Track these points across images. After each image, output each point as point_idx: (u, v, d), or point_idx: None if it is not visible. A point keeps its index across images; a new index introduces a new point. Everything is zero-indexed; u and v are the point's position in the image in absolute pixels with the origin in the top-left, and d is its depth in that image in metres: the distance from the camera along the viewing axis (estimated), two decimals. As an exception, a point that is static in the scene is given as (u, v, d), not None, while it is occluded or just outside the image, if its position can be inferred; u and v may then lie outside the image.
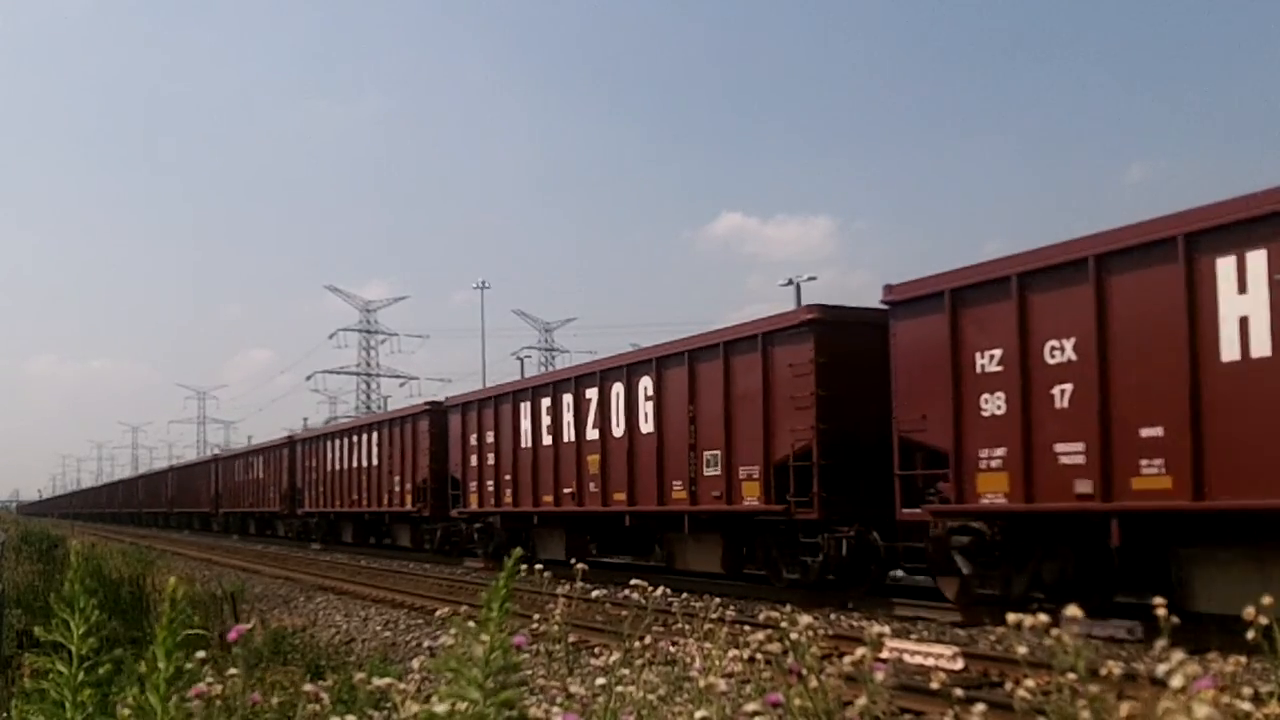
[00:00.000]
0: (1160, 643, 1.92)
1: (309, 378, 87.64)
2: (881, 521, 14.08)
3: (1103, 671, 1.95)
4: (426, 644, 12.74)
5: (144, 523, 72.82)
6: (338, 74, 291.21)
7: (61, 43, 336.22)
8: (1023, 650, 2.15)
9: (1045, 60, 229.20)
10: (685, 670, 3.25)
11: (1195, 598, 10.45)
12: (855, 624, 13.04)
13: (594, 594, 3.93)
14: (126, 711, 1.96)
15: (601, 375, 19.71)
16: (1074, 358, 11.34)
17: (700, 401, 16.97)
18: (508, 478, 22.79)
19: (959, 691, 2.19)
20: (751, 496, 15.79)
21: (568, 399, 20.58)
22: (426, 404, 29.72)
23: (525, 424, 22.13)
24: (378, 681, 2.44)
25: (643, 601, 3.79)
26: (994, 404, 12.15)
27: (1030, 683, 2.10)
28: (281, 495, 41.82)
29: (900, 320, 13.48)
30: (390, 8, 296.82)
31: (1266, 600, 2.35)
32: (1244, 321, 9.86)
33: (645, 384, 18.30)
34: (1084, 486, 11.06)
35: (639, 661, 3.25)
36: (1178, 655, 1.85)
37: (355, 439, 33.68)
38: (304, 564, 28.40)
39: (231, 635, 2.57)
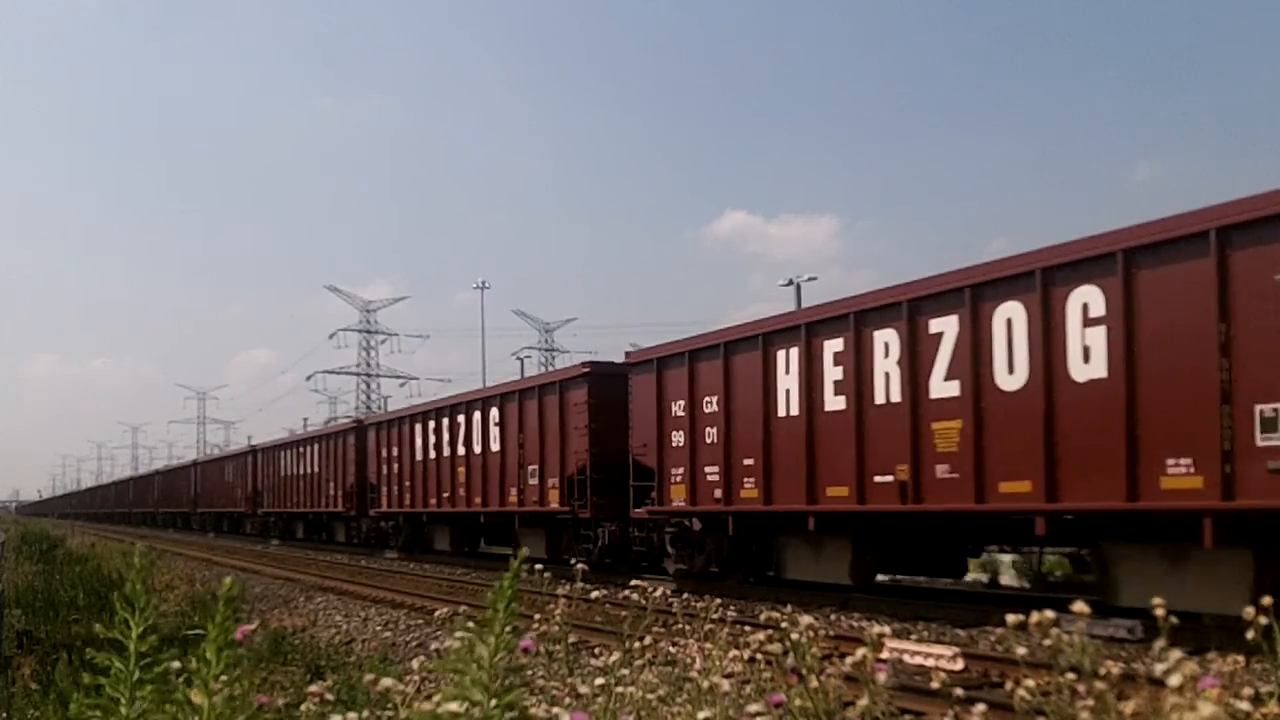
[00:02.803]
0: (1159, 643, 1.93)
1: (309, 378, 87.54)
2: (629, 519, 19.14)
3: (1102, 671, 1.95)
4: (433, 646, 12.73)
5: (134, 522, 74.80)
6: (341, 72, 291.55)
7: (64, 40, 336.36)
8: (1022, 650, 2.15)
9: (1050, 58, 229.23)
10: (685, 670, 3.25)
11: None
12: (855, 624, 13.05)
13: (593, 594, 3.94)
14: (172, 709, 1.99)
15: (467, 405, 25.39)
16: (716, 409, 16.44)
17: (525, 429, 22.43)
18: (407, 484, 28.79)
19: (959, 692, 2.19)
20: (554, 500, 21.19)
21: (446, 422, 26.31)
22: (352, 421, 36.29)
23: (419, 441, 28.08)
24: (386, 682, 2.44)
25: (643, 602, 3.79)
26: (678, 438, 17.32)
27: (1030, 683, 2.10)
28: (246, 496, 46.17)
29: (634, 376, 18.67)
30: (394, 6, 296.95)
31: (1266, 600, 2.35)
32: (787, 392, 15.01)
33: (493, 413, 23.90)
34: (718, 493, 16.38)
35: (639, 662, 3.26)
36: (1176, 655, 1.85)
37: (302, 450, 39.34)
38: (304, 564, 28.40)
39: (238, 635, 2.58)
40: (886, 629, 2.32)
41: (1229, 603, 9.49)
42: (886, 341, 13.43)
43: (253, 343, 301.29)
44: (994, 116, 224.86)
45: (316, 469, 36.76)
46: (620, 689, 2.94)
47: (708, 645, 3.49)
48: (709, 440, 16.51)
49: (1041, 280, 11.45)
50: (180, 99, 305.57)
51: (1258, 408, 9.62)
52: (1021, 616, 2.11)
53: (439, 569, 25.05)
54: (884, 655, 2.21)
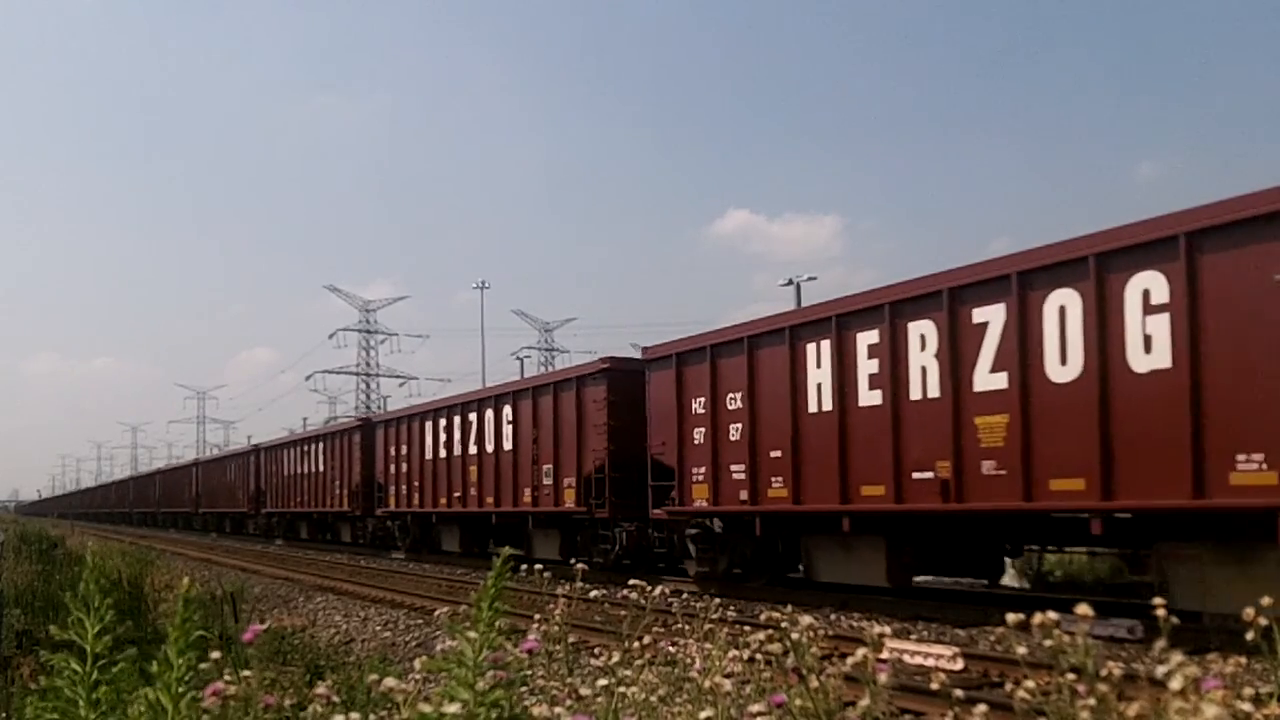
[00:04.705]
0: (1160, 643, 1.92)
1: (309, 378, 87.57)
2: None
3: (1103, 672, 1.95)
4: (439, 647, 12.73)
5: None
6: (342, 70, 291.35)
7: (64, 40, 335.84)
8: (1022, 650, 2.15)
9: (1052, 59, 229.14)
10: (685, 670, 3.24)
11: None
12: (855, 624, 13.05)
13: (592, 594, 3.94)
14: (140, 709, 1.97)
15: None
16: (407, 452, 21.76)
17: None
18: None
19: (959, 692, 2.19)
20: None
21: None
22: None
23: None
24: (390, 683, 2.44)
25: (642, 602, 3.79)
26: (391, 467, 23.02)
27: (1030, 683, 2.10)
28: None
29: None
30: (395, 5, 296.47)
31: (1266, 601, 2.35)
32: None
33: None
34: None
35: (639, 662, 3.25)
36: (1177, 656, 1.85)
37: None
38: (303, 564, 28.39)
39: (247, 636, 2.59)
40: (886, 629, 2.32)
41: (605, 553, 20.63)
42: (470, 417, 25.19)
43: (253, 342, 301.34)
44: (996, 117, 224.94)
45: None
46: (621, 689, 2.94)
47: (707, 645, 3.49)
48: (404, 469, 29.04)
49: (533, 392, 22.82)
50: (180, 97, 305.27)
51: (544, 466, 21.72)
52: (1021, 616, 2.11)
53: (439, 569, 25.06)
54: (884, 655, 2.21)
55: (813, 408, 14.38)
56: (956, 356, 12.36)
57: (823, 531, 14.74)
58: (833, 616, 13.76)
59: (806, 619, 2.53)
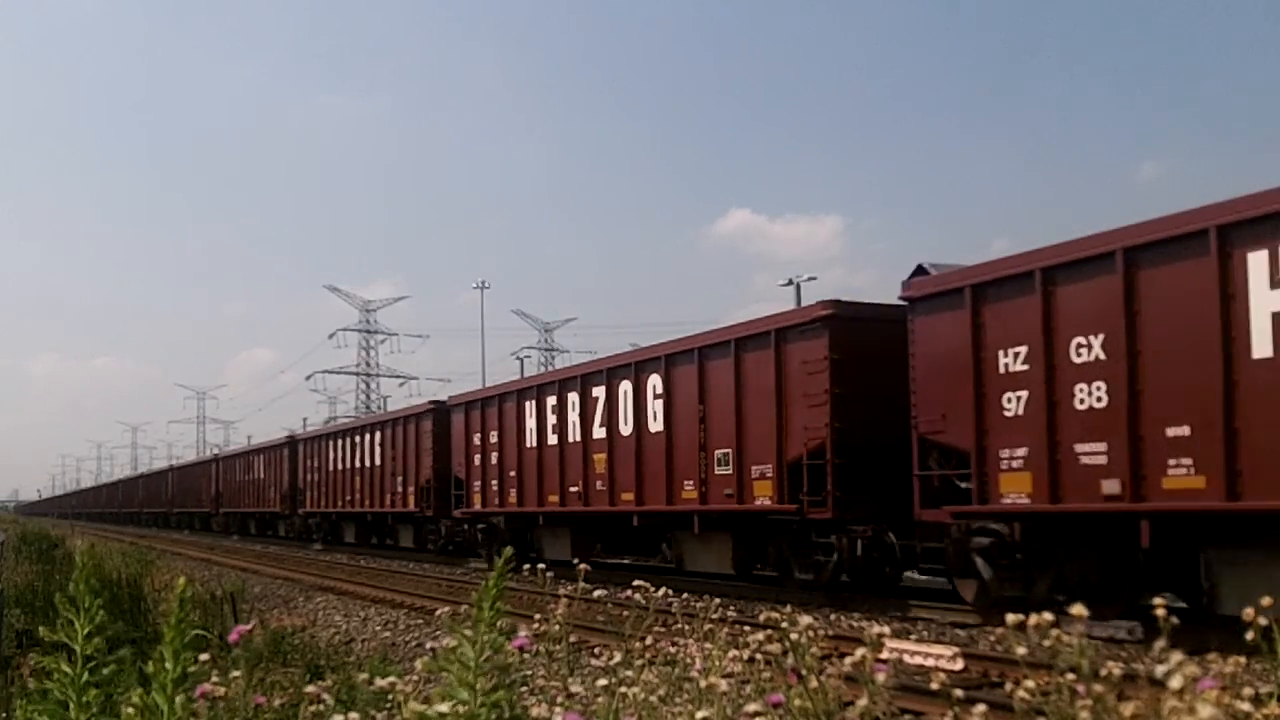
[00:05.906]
0: (1159, 643, 1.92)
1: (309, 378, 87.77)
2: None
3: (1103, 672, 1.95)
4: (429, 645, 12.69)
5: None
6: (344, 70, 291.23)
7: (65, 39, 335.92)
8: (1022, 650, 2.15)
9: (1053, 59, 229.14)
10: (686, 670, 3.24)
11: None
12: (855, 624, 13.05)
13: (595, 594, 3.94)
14: (131, 711, 1.96)
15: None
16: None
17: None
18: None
19: (959, 692, 2.19)
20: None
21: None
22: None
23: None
24: (381, 682, 2.44)
25: (644, 602, 3.79)
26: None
27: (1030, 683, 2.10)
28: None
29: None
30: (396, 5, 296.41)
31: (1266, 601, 2.35)
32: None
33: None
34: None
35: (639, 662, 3.25)
36: (1176, 656, 1.85)
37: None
38: (304, 564, 28.40)
39: (232, 636, 2.58)
40: (886, 629, 2.32)
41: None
42: (356, 439, 33.33)
43: (253, 342, 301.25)
44: (997, 117, 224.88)
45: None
46: (623, 689, 2.94)
47: (708, 645, 3.48)
48: (317, 478, 37.18)
49: (391, 423, 31.56)
50: (181, 96, 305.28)
51: (398, 478, 30.19)
52: (1021, 616, 2.11)
53: (439, 569, 25.08)
54: (884, 655, 2.21)
55: (528, 444, 21.99)
56: (586, 416, 19.92)
57: (539, 525, 22.20)
58: (832, 616, 13.76)
59: (806, 619, 2.53)
